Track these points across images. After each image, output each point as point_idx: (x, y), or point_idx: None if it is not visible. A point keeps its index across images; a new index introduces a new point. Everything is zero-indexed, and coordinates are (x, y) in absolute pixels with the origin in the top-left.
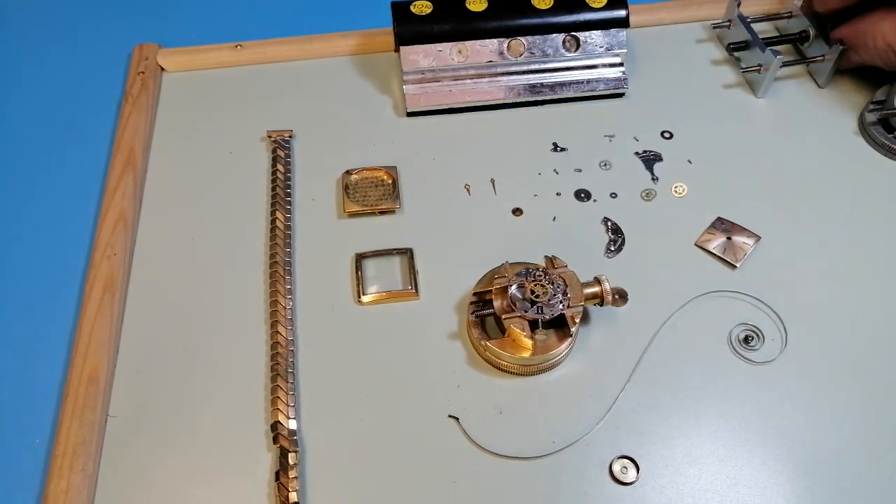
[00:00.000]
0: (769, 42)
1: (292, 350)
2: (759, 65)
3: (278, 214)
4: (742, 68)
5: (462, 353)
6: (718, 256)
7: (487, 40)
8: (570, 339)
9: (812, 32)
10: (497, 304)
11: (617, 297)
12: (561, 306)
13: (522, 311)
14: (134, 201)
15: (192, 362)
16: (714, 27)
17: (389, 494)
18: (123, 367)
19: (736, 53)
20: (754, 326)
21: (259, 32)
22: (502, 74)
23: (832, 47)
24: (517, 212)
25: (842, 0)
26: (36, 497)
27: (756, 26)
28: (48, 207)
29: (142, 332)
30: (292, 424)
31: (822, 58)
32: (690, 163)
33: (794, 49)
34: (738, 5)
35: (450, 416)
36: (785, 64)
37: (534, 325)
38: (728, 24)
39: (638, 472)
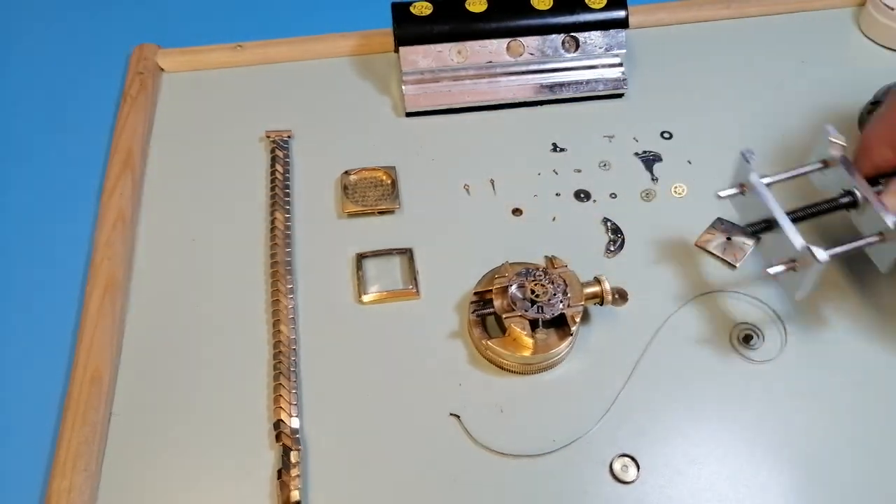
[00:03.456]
0: (796, 216)
1: (294, 349)
2: (793, 260)
3: (277, 214)
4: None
5: (463, 352)
6: (718, 256)
7: (487, 41)
8: (570, 339)
9: (860, 195)
10: (497, 303)
11: (617, 296)
12: (561, 306)
13: (523, 311)
14: (132, 201)
15: (195, 361)
16: (719, 197)
17: (391, 492)
18: (126, 367)
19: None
20: (754, 326)
21: (259, 32)
22: (502, 75)
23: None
24: (517, 212)
25: None
26: (39, 496)
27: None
28: (47, 207)
29: (144, 332)
30: (294, 423)
31: (880, 237)
32: (690, 163)
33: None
34: (749, 161)
35: (451, 414)
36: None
37: (534, 324)
38: (741, 189)
39: (638, 471)
